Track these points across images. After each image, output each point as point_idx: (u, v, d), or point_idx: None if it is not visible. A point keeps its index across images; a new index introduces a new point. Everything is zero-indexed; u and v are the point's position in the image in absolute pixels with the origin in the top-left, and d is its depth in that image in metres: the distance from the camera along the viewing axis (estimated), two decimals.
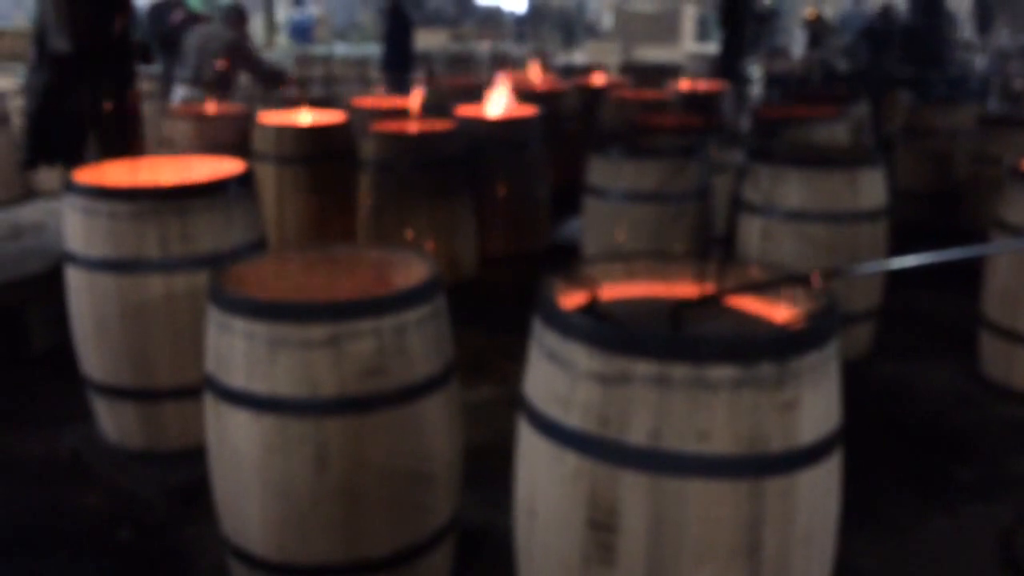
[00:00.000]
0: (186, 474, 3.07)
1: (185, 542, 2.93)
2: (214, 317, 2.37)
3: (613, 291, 2.26)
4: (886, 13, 11.48)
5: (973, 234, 4.31)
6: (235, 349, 2.30)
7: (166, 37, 8.09)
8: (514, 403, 2.11)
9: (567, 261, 2.36)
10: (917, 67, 8.34)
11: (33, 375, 4.08)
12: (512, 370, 2.21)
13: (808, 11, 13.12)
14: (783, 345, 1.82)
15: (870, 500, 3.04)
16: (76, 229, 3.12)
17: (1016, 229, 3.79)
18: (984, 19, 15.31)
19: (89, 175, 3.30)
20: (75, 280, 3.18)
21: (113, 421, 3.29)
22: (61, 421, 3.57)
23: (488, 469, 2.61)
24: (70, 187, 3.14)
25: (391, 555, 2.41)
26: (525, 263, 5.44)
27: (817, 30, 11.83)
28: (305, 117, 5.59)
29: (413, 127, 5.30)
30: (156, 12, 8.62)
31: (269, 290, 2.57)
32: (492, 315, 4.49)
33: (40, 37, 4.41)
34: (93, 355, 3.21)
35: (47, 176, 6.10)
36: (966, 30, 15.19)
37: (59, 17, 4.21)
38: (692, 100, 7.51)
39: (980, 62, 12.27)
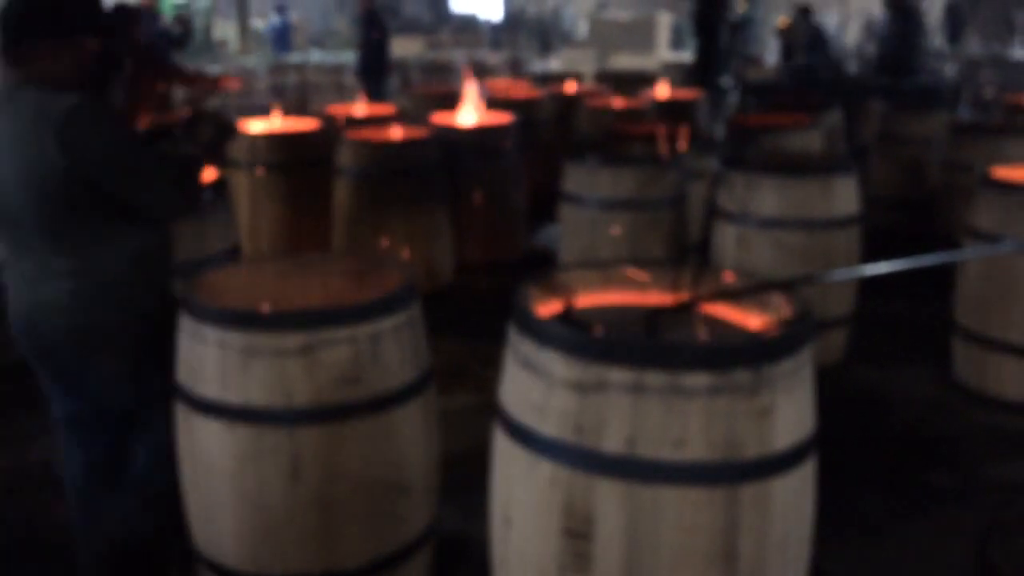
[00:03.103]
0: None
1: (159, 553, 2.89)
2: (186, 326, 2.34)
3: (589, 299, 2.26)
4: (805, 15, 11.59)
5: (946, 241, 4.36)
6: (207, 358, 2.28)
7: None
8: (491, 411, 2.10)
9: (543, 269, 2.36)
10: (889, 75, 8.42)
11: (3, 386, 4.02)
12: (489, 378, 2.21)
13: (780, 20, 13.23)
14: (758, 352, 1.82)
15: (845, 506, 3.05)
16: None
17: (987, 235, 3.83)
18: (954, 28, 15.50)
19: None
20: None
21: None
22: (31, 434, 3.52)
23: (465, 477, 2.60)
24: None
25: (367, 565, 2.40)
26: (502, 270, 5.44)
27: (790, 39, 11.93)
28: (278, 124, 5.56)
29: (389, 135, 5.28)
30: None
31: (242, 299, 2.54)
32: (469, 323, 4.48)
33: None
34: None
35: None
36: (937, 39, 15.36)
37: None
38: (667, 108, 7.54)
39: (951, 70, 12.43)
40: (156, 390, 2.53)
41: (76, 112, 2.23)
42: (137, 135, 2.58)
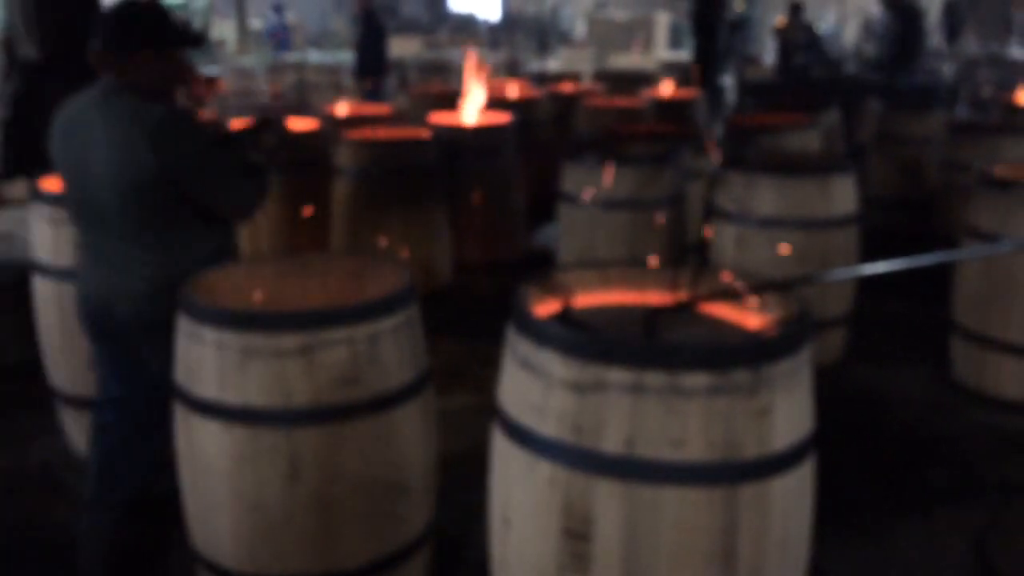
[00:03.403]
0: (158, 486, 3.03)
1: (157, 556, 2.89)
2: (184, 327, 2.34)
3: (587, 299, 2.26)
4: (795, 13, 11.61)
5: (944, 240, 4.36)
6: (206, 359, 2.27)
7: None
8: (490, 411, 2.10)
9: (542, 268, 2.36)
10: (888, 75, 8.42)
11: (1, 387, 4.02)
12: (488, 378, 2.21)
13: (778, 19, 13.24)
14: (757, 352, 1.82)
15: (844, 505, 3.05)
16: (44, 239, 3.08)
17: (986, 235, 3.83)
18: (952, 27, 15.50)
19: (57, 184, 3.25)
20: (42, 290, 3.14)
21: (83, 433, 3.25)
22: (31, 434, 3.52)
23: (465, 477, 2.60)
24: (37, 196, 3.10)
25: (366, 566, 2.39)
26: (500, 270, 5.43)
27: (787, 38, 11.93)
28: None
29: (387, 134, 5.28)
30: None
31: (241, 299, 2.55)
32: (467, 323, 4.48)
33: (10, 45, 4.36)
34: (62, 367, 3.18)
35: (18, 185, 6.03)
36: (934, 38, 15.36)
37: (27, 24, 4.17)
38: (666, 108, 7.55)
39: (949, 69, 12.43)
40: None
41: (168, 120, 2.46)
42: (218, 142, 2.76)
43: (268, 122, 2.91)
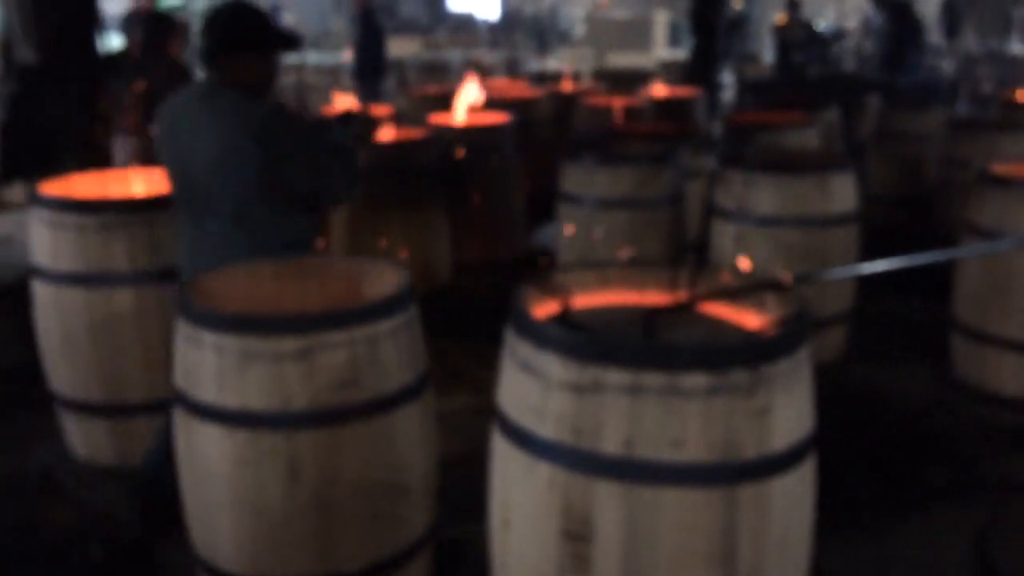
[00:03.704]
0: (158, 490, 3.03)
1: (158, 558, 2.89)
2: (183, 330, 2.34)
3: (586, 299, 2.26)
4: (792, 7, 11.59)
5: (944, 237, 4.35)
6: (205, 363, 2.27)
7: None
8: (489, 413, 2.10)
9: (541, 269, 2.36)
10: (887, 73, 8.42)
11: (1, 392, 4.02)
12: (487, 379, 2.20)
13: (778, 17, 13.22)
14: (755, 352, 1.82)
15: (844, 504, 3.05)
16: (43, 243, 3.08)
17: (986, 232, 3.82)
18: (951, 24, 15.49)
19: (56, 187, 3.26)
20: (42, 294, 3.14)
21: (83, 437, 3.25)
22: (31, 438, 3.52)
23: (465, 479, 2.59)
24: (36, 200, 3.10)
25: (366, 568, 2.39)
26: (500, 271, 5.43)
27: (785, 36, 11.91)
28: None
29: (386, 135, 5.27)
30: (130, 22, 8.54)
31: (239, 302, 2.54)
32: (467, 324, 4.48)
33: (8, 47, 4.36)
34: (61, 371, 3.17)
35: (17, 189, 6.03)
36: (934, 35, 15.35)
37: (25, 27, 4.17)
38: (665, 107, 7.54)
39: (948, 66, 12.42)
40: None
41: (272, 115, 2.71)
42: (315, 132, 2.94)
43: (355, 111, 3.12)
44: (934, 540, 2.97)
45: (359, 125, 3.15)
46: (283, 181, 2.73)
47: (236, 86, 2.76)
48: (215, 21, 2.78)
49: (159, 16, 5.09)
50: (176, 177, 2.83)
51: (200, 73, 3.83)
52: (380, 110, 6.93)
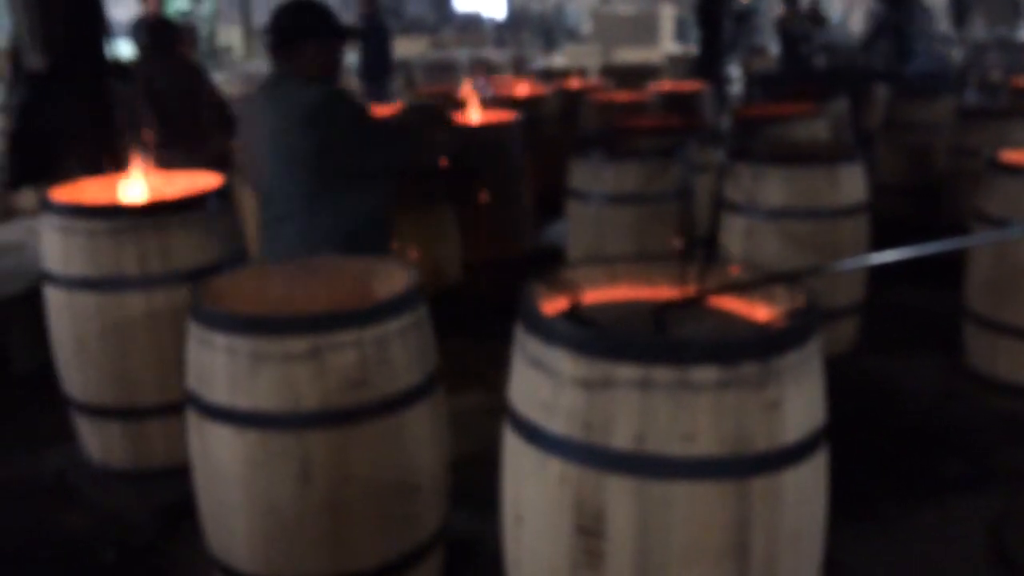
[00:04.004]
0: (172, 492, 3.04)
1: (172, 561, 2.90)
2: (195, 333, 2.35)
3: (596, 295, 2.26)
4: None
5: (954, 227, 4.33)
6: (216, 364, 2.28)
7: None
8: (501, 411, 2.10)
9: (551, 266, 2.36)
10: (893, 64, 8.38)
11: (15, 397, 4.04)
12: (498, 378, 2.21)
13: (783, 8, 13.16)
14: (765, 345, 1.81)
15: (857, 496, 3.04)
16: (54, 248, 3.10)
17: (996, 220, 3.81)
18: (960, 12, 15.41)
19: (66, 193, 3.27)
20: (54, 299, 3.15)
21: (97, 441, 3.27)
22: (45, 442, 3.54)
23: (476, 477, 2.60)
24: (47, 205, 3.12)
25: (379, 567, 2.40)
26: (509, 269, 5.43)
27: (788, 28, 11.85)
28: None
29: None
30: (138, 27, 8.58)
31: (250, 304, 2.55)
32: (477, 322, 4.47)
33: (17, 55, 4.38)
34: (74, 375, 3.19)
35: (27, 195, 6.07)
36: (942, 23, 15.28)
37: (33, 34, 4.19)
38: (672, 101, 7.53)
39: (957, 54, 12.35)
40: None
41: (323, 99, 2.91)
42: (367, 114, 3.12)
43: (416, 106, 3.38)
44: (948, 531, 2.96)
45: (418, 119, 3.35)
46: (338, 161, 2.92)
47: (298, 76, 2.98)
48: (279, 16, 3.02)
49: (164, 22, 5.17)
50: (249, 166, 3.09)
51: (221, 76, 3.95)
52: (386, 110, 6.95)
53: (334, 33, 3.06)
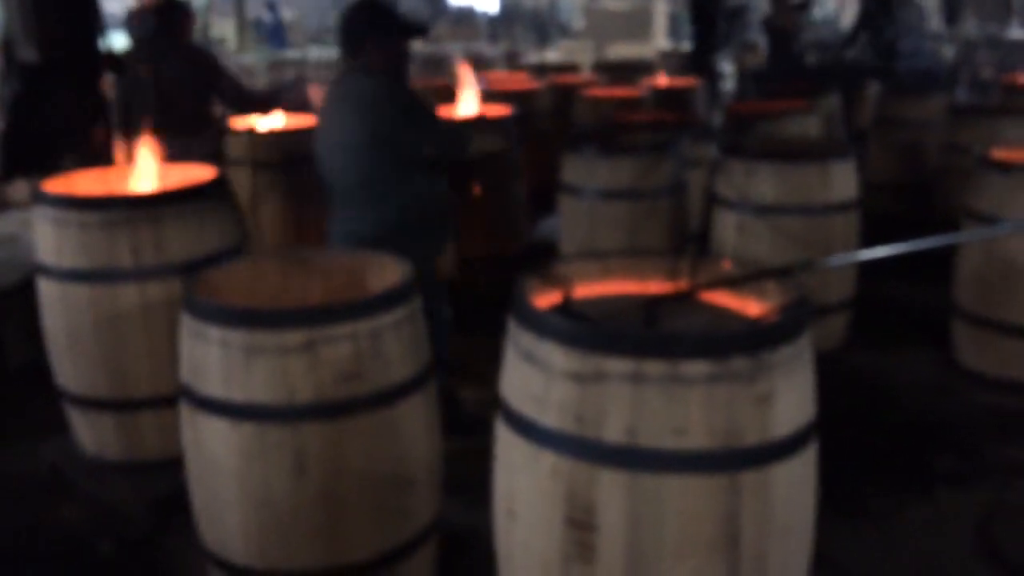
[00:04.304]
0: (167, 484, 3.04)
1: (167, 553, 2.91)
2: (188, 325, 2.36)
3: (588, 289, 2.27)
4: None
5: (945, 223, 4.35)
6: (210, 357, 2.29)
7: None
8: (494, 404, 2.11)
9: (544, 260, 2.37)
10: (875, 59, 8.40)
11: (9, 389, 4.04)
12: (491, 372, 2.22)
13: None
14: (756, 339, 1.83)
15: (848, 490, 3.06)
16: (47, 240, 3.09)
17: (986, 217, 3.83)
18: (952, 10, 15.45)
19: (59, 185, 3.27)
20: (47, 291, 3.15)
21: (90, 433, 3.27)
22: (39, 435, 3.54)
23: (470, 470, 2.61)
24: (40, 197, 3.11)
25: (373, 559, 2.41)
26: (503, 264, 5.43)
27: (775, 26, 11.81)
28: (279, 121, 5.56)
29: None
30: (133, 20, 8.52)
31: (244, 297, 2.56)
32: (471, 317, 4.48)
33: (8, 47, 4.36)
34: (68, 367, 3.19)
35: (20, 187, 6.05)
36: (934, 20, 15.31)
37: (26, 26, 4.17)
38: (665, 96, 7.53)
39: (948, 52, 12.37)
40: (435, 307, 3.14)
41: (377, 90, 3.13)
42: (421, 103, 3.25)
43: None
44: (938, 525, 2.99)
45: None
46: (392, 150, 3.10)
47: (366, 70, 3.17)
48: (345, 15, 3.23)
49: (172, 4, 5.00)
50: (318, 158, 3.27)
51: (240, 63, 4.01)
52: None
53: (395, 30, 3.23)
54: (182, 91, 4.78)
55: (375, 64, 3.19)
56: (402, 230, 3.18)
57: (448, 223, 3.48)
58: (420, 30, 3.34)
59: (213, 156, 4.58)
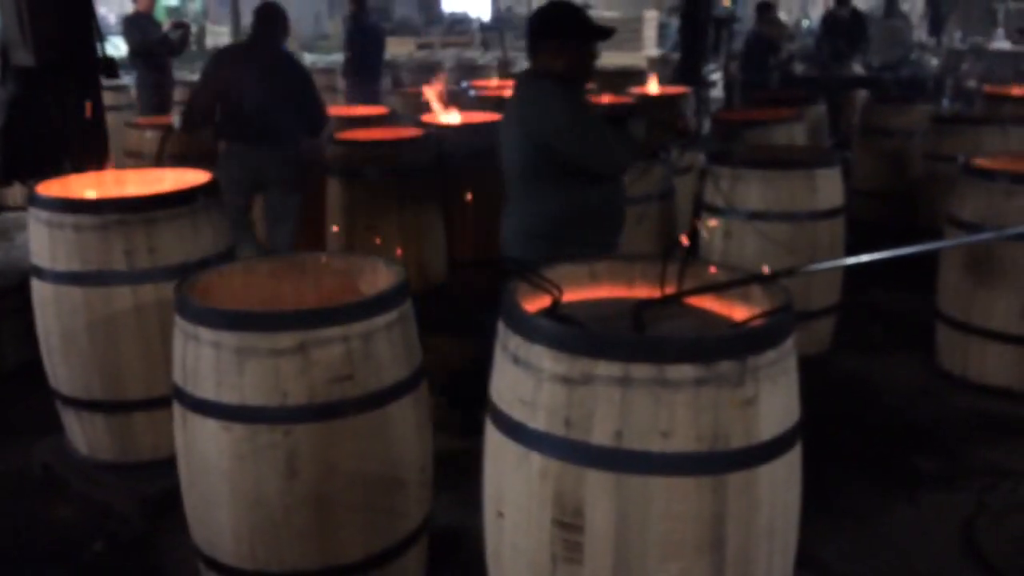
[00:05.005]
0: (159, 485, 3.06)
1: (159, 553, 2.93)
2: (181, 328, 2.38)
3: (576, 293, 2.30)
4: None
5: (928, 231, 4.41)
6: (203, 359, 2.31)
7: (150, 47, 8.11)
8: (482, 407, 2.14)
9: (533, 265, 2.40)
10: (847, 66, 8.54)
11: (3, 390, 4.05)
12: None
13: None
14: (741, 344, 1.86)
15: (832, 492, 3.10)
16: (41, 242, 3.11)
17: (968, 225, 3.88)
18: (936, 20, 15.56)
19: (54, 188, 3.28)
20: (41, 293, 3.17)
21: (83, 434, 3.28)
22: (32, 435, 3.55)
23: (461, 472, 2.64)
24: (34, 200, 3.13)
25: (364, 560, 2.43)
26: (494, 268, 5.45)
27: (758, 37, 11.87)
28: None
29: (381, 134, 5.30)
30: (130, 25, 8.52)
31: (236, 299, 2.58)
32: (461, 320, 4.51)
33: (4, 50, 4.37)
34: (61, 368, 3.20)
35: (15, 190, 6.05)
36: (919, 31, 15.42)
37: (22, 30, 4.18)
38: (655, 104, 7.57)
39: (933, 62, 12.47)
40: None
41: (540, 95, 3.09)
42: (582, 110, 3.18)
43: (634, 110, 3.45)
44: (921, 526, 3.02)
45: (640, 124, 3.44)
46: (552, 155, 3.04)
47: (547, 74, 3.11)
48: (533, 18, 3.22)
49: (273, 5, 4.91)
50: (498, 152, 3.30)
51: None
52: (375, 110, 6.97)
53: (577, 34, 3.12)
54: (255, 100, 4.72)
55: (555, 67, 3.11)
56: (553, 231, 3.13)
57: (612, 227, 3.32)
58: (604, 33, 3.18)
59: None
